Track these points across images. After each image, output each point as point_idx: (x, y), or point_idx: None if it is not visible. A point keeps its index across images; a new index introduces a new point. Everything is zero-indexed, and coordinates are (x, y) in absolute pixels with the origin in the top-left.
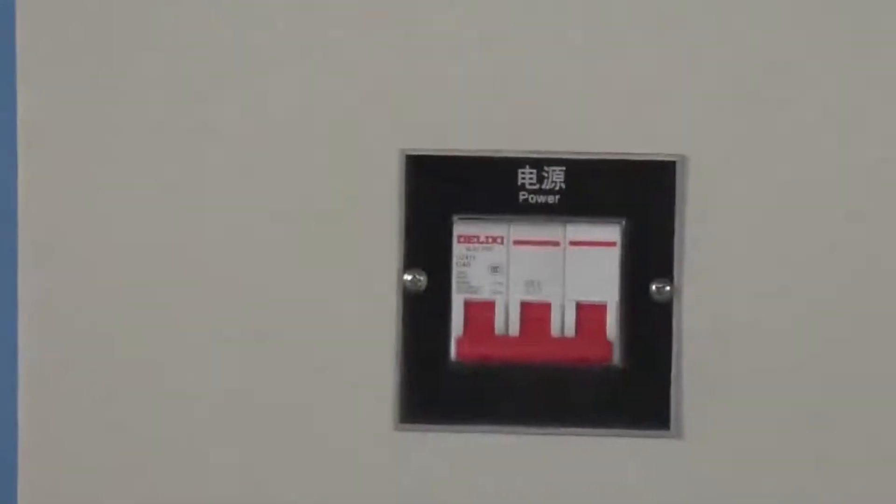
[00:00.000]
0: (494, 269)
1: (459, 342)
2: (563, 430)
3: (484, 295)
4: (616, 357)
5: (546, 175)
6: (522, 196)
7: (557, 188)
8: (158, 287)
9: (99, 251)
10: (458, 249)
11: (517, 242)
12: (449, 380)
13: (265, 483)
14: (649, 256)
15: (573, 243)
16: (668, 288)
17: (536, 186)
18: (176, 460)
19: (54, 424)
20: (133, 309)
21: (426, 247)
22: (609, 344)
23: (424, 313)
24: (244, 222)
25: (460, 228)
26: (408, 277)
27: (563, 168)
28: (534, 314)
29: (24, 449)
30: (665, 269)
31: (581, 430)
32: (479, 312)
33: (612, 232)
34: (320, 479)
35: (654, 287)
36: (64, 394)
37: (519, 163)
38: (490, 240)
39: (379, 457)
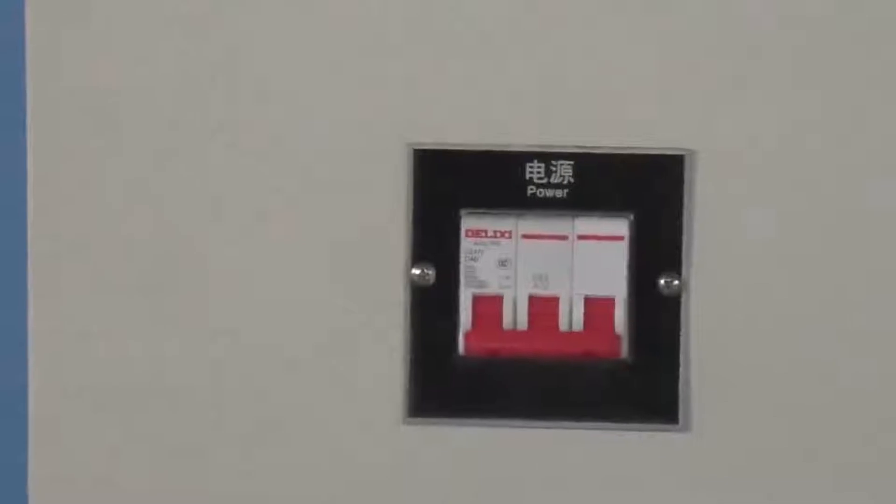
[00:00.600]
0: (502, 264)
1: (468, 336)
2: (571, 423)
3: (492, 289)
4: (624, 351)
5: (554, 169)
6: (530, 190)
7: (565, 182)
8: (166, 283)
9: (108, 248)
10: (466, 244)
11: (525, 237)
12: (457, 374)
13: (273, 478)
14: (657, 250)
15: (581, 237)
16: (676, 282)
17: (544, 181)
18: (182, 456)
19: (64, 422)
20: (142, 305)
21: (434, 241)
22: (617, 338)
23: (432, 307)
24: (252, 218)
25: (468, 223)
26: (416, 272)
27: (571, 162)
28: (542, 308)
29: (34, 448)
30: (673, 263)
31: (589, 424)
32: (488, 307)
33: (620, 226)
34: (328, 474)
35: (662, 281)
36: (74, 393)
37: (527, 157)
38: (498, 234)
39: (387, 451)
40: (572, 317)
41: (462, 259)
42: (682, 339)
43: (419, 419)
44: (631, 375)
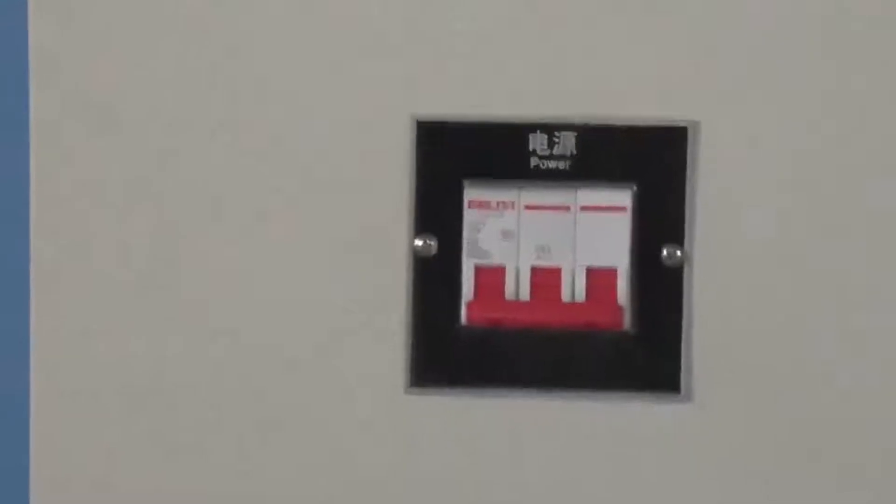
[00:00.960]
0: (505, 235)
1: (470, 307)
2: (573, 394)
3: (495, 260)
4: (626, 322)
5: (557, 140)
6: (533, 161)
7: (568, 153)
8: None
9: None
10: (468, 215)
11: (528, 208)
12: (459, 344)
13: (275, 445)
14: (660, 222)
15: (584, 208)
16: (678, 253)
17: (548, 152)
18: (183, 434)
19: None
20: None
21: (437, 212)
22: (619, 309)
23: (435, 278)
24: (256, 188)
25: (471, 194)
26: (419, 243)
27: (575, 133)
28: (544, 279)
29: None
30: (676, 235)
31: (591, 395)
32: (490, 277)
33: (623, 197)
34: (331, 443)
35: (664, 252)
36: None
37: (530, 128)
38: (501, 205)
39: (390, 420)
40: (574, 288)
41: (465, 230)
42: (684, 310)
43: (421, 389)
44: (633, 346)
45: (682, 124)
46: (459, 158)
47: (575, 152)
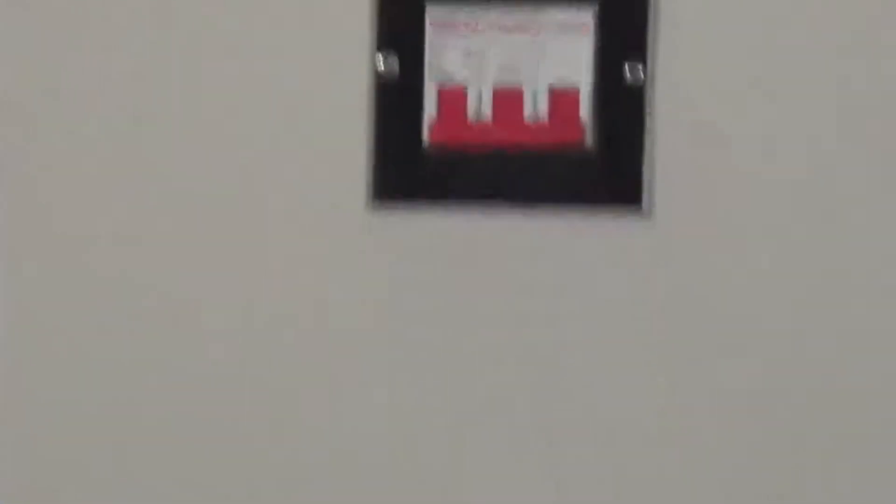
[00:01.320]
0: (467, 55)
1: (432, 127)
2: (535, 210)
3: (457, 80)
4: (589, 140)
5: None
6: None
7: None
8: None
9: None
10: (430, 35)
11: (490, 28)
12: (422, 163)
13: (249, 259)
14: (623, 39)
15: (546, 28)
16: (640, 71)
17: None
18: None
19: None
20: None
21: (399, 32)
22: (582, 127)
23: (397, 99)
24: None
25: (433, 14)
26: (381, 63)
27: None
28: (507, 99)
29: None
30: (638, 52)
31: (553, 211)
32: (453, 98)
33: (585, 16)
34: (294, 258)
35: (627, 71)
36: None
37: None
38: (463, 26)
39: (352, 235)
40: (537, 107)
41: (427, 50)
42: (646, 127)
43: (383, 205)
44: (595, 163)
45: None
46: None
47: None
